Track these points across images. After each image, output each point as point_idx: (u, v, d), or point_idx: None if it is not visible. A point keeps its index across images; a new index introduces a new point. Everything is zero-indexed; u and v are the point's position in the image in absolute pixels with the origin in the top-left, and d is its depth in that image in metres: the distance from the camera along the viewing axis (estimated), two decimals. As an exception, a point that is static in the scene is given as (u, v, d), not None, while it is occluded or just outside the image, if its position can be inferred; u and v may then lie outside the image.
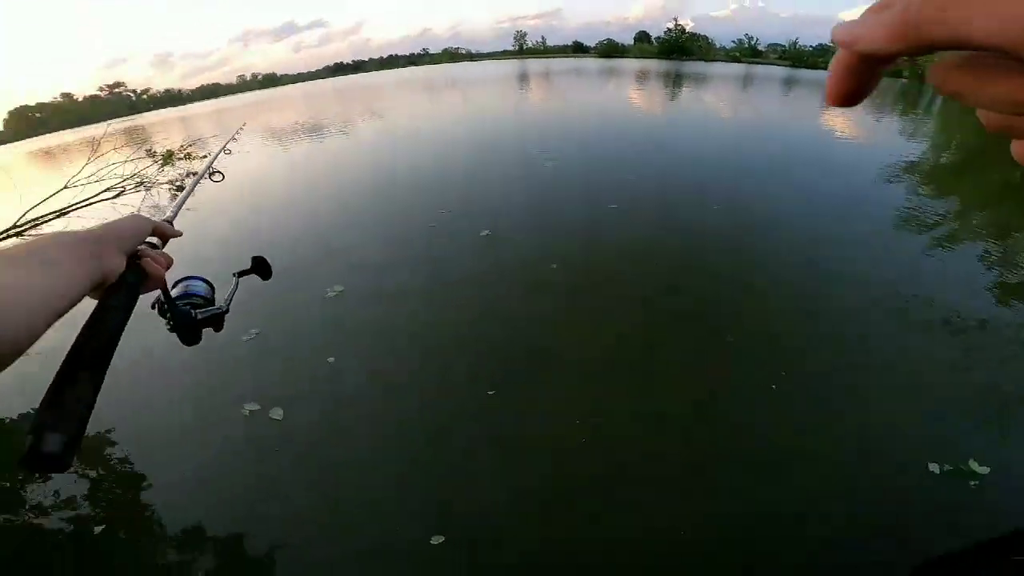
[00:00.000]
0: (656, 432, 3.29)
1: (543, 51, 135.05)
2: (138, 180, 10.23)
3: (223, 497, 3.00)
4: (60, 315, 0.44)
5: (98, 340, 0.47)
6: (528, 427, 3.35)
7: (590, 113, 18.41)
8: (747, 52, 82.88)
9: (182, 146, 11.72)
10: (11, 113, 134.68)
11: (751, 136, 13.47)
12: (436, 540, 2.61)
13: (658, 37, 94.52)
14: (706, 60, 76.08)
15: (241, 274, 0.84)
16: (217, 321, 0.71)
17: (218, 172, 1.39)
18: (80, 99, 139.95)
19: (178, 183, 10.40)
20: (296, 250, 6.78)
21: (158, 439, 3.51)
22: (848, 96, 0.27)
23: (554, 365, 3.93)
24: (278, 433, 3.42)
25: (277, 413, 3.54)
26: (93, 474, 3.27)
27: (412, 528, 2.69)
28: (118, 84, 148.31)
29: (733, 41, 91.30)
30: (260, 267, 0.89)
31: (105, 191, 9.95)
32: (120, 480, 3.23)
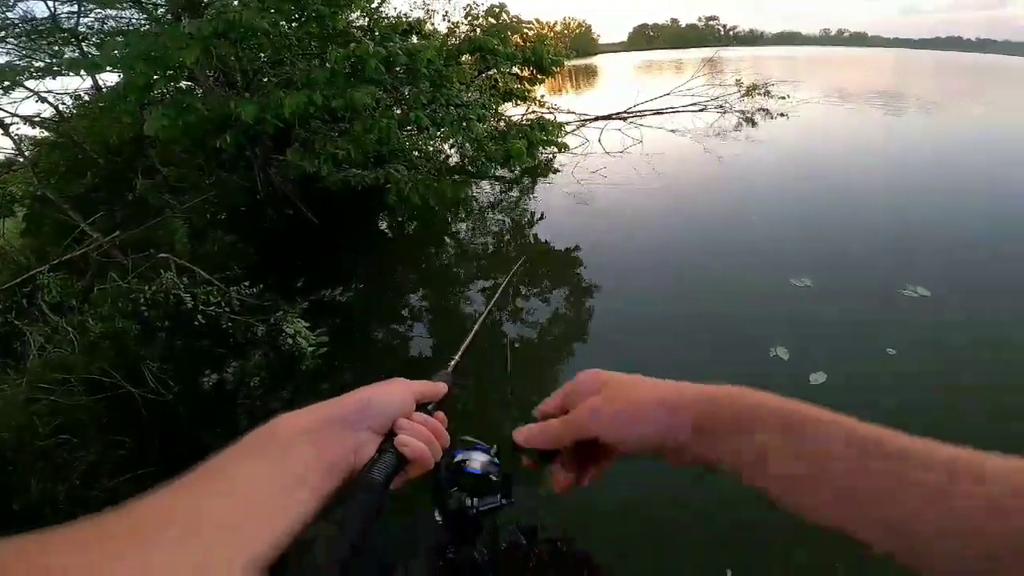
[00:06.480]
0: None
1: None
2: (720, 103, 11.98)
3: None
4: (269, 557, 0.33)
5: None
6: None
7: None
8: None
9: (760, 84, 12.60)
10: (635, 28, 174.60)
11: None
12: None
13: None
14: None
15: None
16: (494, 514, 0.55)
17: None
18: (683, 25, 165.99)
19: (748, 115, 11.59)
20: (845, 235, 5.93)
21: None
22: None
23: None
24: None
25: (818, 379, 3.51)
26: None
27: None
28: (713, 17, 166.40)
29: None
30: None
31: (692, 104, 12.23)
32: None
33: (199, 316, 3.88)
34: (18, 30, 5.37)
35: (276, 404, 3.80)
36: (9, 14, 5.26)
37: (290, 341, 3.91)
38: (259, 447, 0.38)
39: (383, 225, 7.36)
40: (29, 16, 5.44)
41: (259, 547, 0.32)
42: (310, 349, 3.92)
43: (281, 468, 0.37)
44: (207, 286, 4.01)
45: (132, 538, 0.29)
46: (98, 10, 5.78)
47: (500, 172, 6.80)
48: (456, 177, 6.07)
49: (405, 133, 5.71)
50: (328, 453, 0.40)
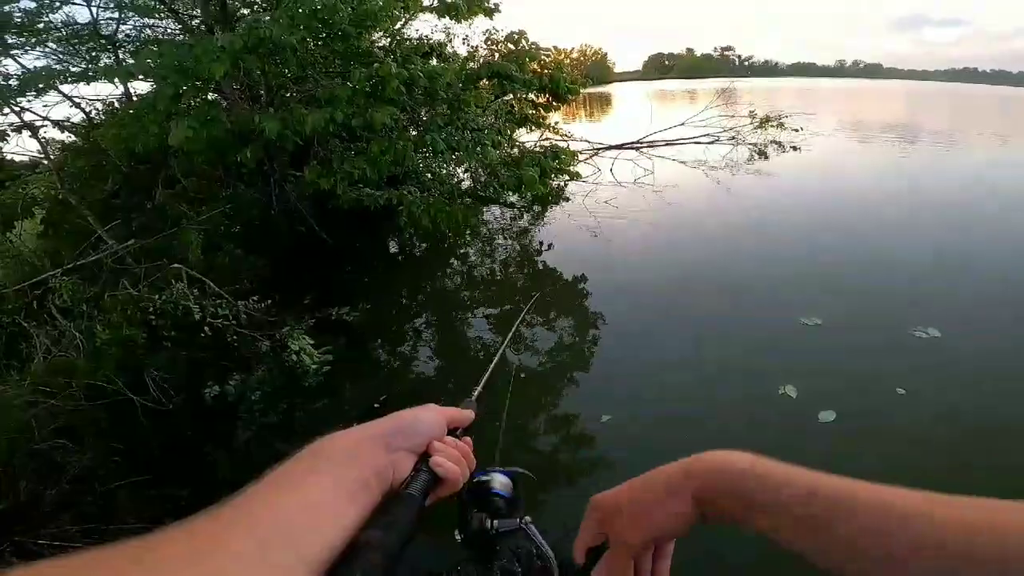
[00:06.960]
0: None
1: None
2: (732, 134, 12.06)
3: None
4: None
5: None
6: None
7: None
8: None
9: (773, 116, 12.64)
10: (650, 57, 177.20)
11: None
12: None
13: None
14: None
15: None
16: (512, 536, 0.60)
17: None
18: (698, 54, 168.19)
19: (761, 147, 11.66)
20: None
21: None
22: None
23: None
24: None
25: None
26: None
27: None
28: (729, 47, 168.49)
29: None
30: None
31: (704, 135, 12.33)
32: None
33: (206, 328, 3.90)
34: (59, 33, 5.52)
35: (275, 419, 3.79)
36: (52, 17, 5.40)
37: (294, 358, 3.92)
38: (311, 464, 0.43)
39: (393, 247, 7.42)
40: (71, 20, 5.59)
41: (316, 553, 0.36)
42: (313, 367, 3.92)
43: (332, 482, 0.41)
44: (216, 298, 4.05)
45: (204, 542, 0.33)
46: (137, 18, 5.95)
47: (511, 198, 6.86)
48: (468, 201, 6.12)
49: (419, 155, 5.78)
50: (370, 469, 0.44)
